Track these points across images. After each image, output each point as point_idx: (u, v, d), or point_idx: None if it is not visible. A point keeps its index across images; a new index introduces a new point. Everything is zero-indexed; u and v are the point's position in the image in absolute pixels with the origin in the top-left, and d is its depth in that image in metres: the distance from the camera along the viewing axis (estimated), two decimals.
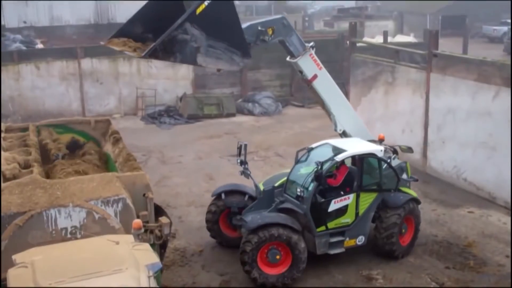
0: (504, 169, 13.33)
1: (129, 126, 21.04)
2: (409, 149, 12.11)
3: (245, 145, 11.01)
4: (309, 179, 10.39)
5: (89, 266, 5.96)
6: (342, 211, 10.55)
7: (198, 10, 8.90)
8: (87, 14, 35.84)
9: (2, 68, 20.66)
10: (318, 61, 11.39)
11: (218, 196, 11.41)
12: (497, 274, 10.51)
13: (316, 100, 12.14)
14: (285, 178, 11.14)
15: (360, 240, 10.81)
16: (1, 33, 28.88)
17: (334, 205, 10.43)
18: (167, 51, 8.86)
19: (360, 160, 10.64)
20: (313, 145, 11.24)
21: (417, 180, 12.12)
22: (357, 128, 11.81)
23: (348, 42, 20.47)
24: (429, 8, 48.93)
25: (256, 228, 9.86)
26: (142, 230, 7.03)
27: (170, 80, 23.66)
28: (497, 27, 44.81)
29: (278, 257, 10.01)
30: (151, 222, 7.82)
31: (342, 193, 10.62)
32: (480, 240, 11.80)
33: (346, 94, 20.44)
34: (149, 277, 5.94)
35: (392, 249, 10.88)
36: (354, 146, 10.96)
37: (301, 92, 25.06)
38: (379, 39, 27.68)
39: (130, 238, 6.77)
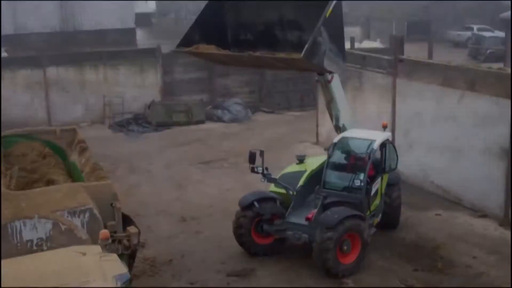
0: (469, 172, 13.60)
1: (96, 134, 20.74)
2: None
3: (262, 152, 10.99)
4: (358, 170, 10.98)
5: (56, 279, 5.85)
6: (376, 193, 11.40)
7: (328, 13, 9.01)
8: (53, 21, 35.24)
9: None
10: None
11: (248, 206, 11.21)
12: (465, 275, 10.69)
13: (326, 99, 12.32)
14: (306, 175, 11.50)
15: (379, 217, 11.81)
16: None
17: (373, 189, 11.23)
18: (313, 53, 8.95)
19: (383, 145, 11.53)
20: (335, 140, 11.75)
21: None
22: (351, 121, 12.51)
23: None
24: (395, 13, 49.72)
25: (336, 224, 10.20)
26: (110, 240, 6.95)
27: (138, 87, 23.47)
28: (461, 32, 45.88)
29: (346, 247, 10.43)
30: (119, 232, 7.74)
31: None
32: (447, 242, 11.99)
33: (314, 101, 20.67)
34: None
35: (398, 220, 12.48)
36: (371, 134, 11.75)
37: (270, 98, 25.17)
38: (346, 45, 27.99)
39: (97, 249, 6.67)
